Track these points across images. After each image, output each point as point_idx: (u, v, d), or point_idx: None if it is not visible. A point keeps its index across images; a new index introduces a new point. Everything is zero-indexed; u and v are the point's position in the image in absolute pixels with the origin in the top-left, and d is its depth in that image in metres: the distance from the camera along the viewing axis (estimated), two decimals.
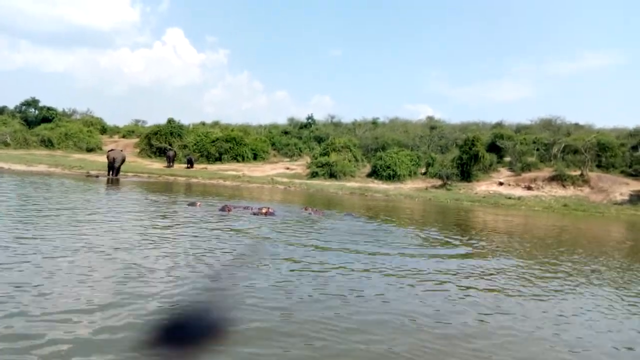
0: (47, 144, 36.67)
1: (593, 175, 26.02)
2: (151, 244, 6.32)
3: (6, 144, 34.56)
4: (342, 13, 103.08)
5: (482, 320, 4.18)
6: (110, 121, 48.43)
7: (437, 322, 4.03)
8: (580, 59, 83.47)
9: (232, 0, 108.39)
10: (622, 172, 26.90)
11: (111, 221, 7.96)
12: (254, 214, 10.29)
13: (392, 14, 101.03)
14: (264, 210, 10.40)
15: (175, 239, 6.88)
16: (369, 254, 6.79)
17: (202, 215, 9.68)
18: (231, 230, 8.00)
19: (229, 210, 10.37)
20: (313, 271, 5.47)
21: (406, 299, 4.64)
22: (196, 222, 8.66)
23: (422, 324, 3.93)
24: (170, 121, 39.52)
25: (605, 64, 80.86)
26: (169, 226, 8.03)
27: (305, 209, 12.10)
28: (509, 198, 23.91)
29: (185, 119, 51.64)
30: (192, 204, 11.32)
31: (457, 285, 5.34)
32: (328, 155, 31.97)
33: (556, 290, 5.46)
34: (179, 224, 8.30)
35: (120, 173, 22.30)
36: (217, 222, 8.86)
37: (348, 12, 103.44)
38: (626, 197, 22.95)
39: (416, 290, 4.99)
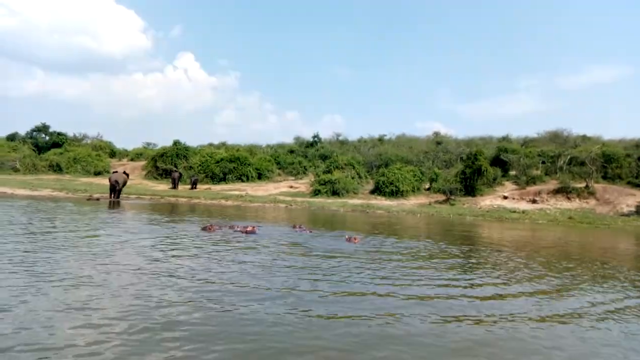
0: (56, 168, 37.35)
1: (599, 186, 25.50)
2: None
3: (15, 170, 35.37)
4: (349, 32, 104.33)
5: None
6: (122, 145, 49.38)
7: None
8: (587, 72, 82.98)
9: (243, 24, 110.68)
10: (628, 183, 26.29)
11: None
12: (243, 232, 10.29)
13: (400, 32, 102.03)
14: (248, 229, 10.41)
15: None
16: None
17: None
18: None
19: (210, 230, 10.38)
20: None
21: None
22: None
23: None
24: (176, 143, 40.06)
25: (613, 77, 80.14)
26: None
27: (294, 227, 12.08)
28: (513, 212, 23.51)
29: (197, 141, 51.89)
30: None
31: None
32: (331, 173, 31.94)
33: None
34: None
35: (124, 195, 22.59)
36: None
37: (356, 32, 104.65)
38: (632, 209, 22.36)
39: None
